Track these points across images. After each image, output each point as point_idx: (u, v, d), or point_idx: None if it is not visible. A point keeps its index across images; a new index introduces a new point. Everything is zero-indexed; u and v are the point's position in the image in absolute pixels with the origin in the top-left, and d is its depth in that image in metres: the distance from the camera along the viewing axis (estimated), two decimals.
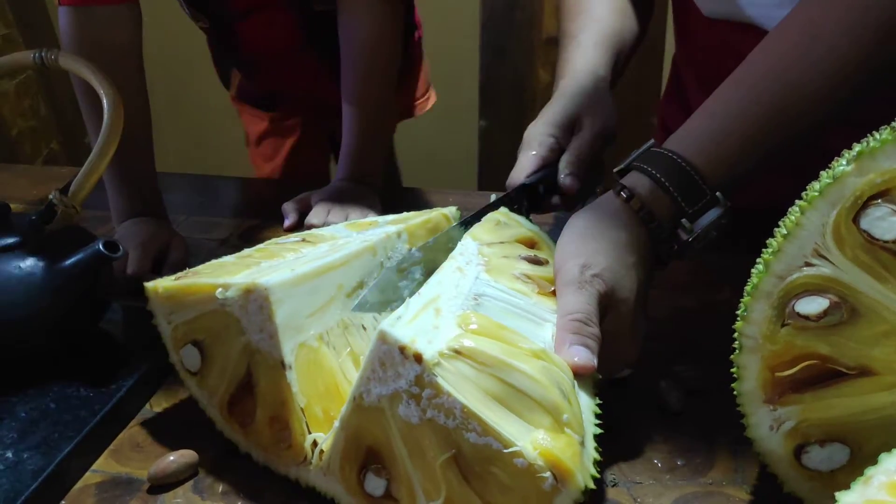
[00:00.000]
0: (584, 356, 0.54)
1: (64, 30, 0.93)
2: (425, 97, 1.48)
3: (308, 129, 1.41)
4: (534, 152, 0.75)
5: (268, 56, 1.25)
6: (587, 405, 0.54)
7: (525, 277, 0.60)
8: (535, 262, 0.63)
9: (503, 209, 0.69)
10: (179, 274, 0.65)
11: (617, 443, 0.59)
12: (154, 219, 0.97)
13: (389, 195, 1.06)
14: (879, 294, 0.48)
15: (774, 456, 0.54)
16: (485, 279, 0.58)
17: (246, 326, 0.59)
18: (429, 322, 0.53)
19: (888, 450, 0.43)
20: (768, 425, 0.53)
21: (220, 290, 0.59)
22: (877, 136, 0.47)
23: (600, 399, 0.56)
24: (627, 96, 2.28)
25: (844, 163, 0.48)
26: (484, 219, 0.68)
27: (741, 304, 0.53)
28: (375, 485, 0.54)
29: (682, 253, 0.63)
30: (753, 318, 0.52)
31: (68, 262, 0.69)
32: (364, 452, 0.54)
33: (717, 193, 0.61)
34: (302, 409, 0.58)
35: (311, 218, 0.98)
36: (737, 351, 0.54)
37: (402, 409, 0.51)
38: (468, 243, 0.63)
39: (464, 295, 0.56)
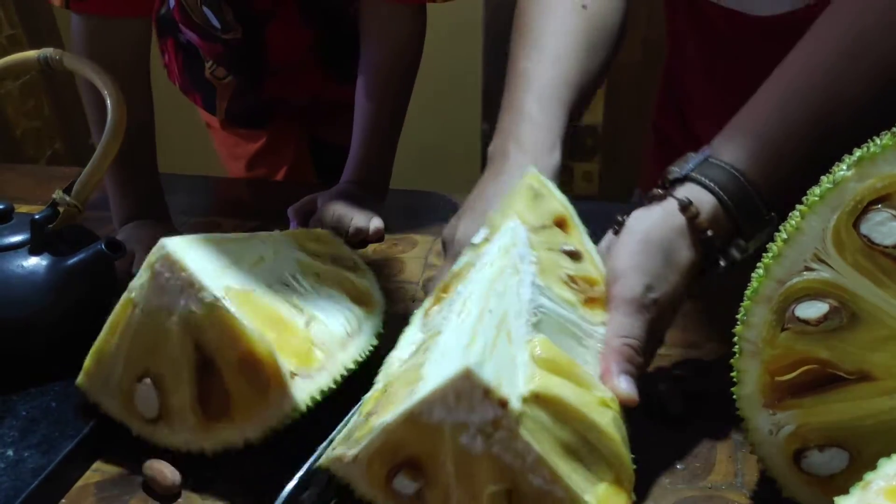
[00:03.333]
0: (633, 389, 0.54)
1: (75, 33, 0.94)
2: None
3: (302, 144, 1.38)
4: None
5: (286, 63, 1.24)
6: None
7: (571, 281, 0.60)
8: (575, 256, 0.61)
9: (533, 171, 0.65)
10: None
11: None
12: (157, 220, 0.98)
13: (391, 197, 1.06)
14: (879, 299, 0.48)
15: (774, 460, 0.54)
16: (540, 285, 0.57)
17: (169, 303, 0.59)
18: (505, 354, 0.51)
19: (887, 455, 0.43)
20: (768, 429, 0.53)
21: (127, 292, 0.61)
22: (877, 141, 0.47)
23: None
24: (628, 98, 2.29)
25: (845, 167, 0.48)
26: (522, 188, 0.64)
27: (741, 308, 0.53)
28: (406, 486, 0.53)
29: (727, 269, 0.61)
30: (753, 322, 0.52)
31: (71, 261, 0.70)
32: (403, 458, 0.53)
33: (773, 214, 0.60)
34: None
35: (315, 222, 0.98)
36: (737, 355, 0.54)
37: (464, 438, 0.50)
38: (517, 227, 0.61)
39: (525, 309, 0.55)
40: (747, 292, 0.53)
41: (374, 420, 0.53)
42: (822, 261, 0.49)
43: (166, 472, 0.60)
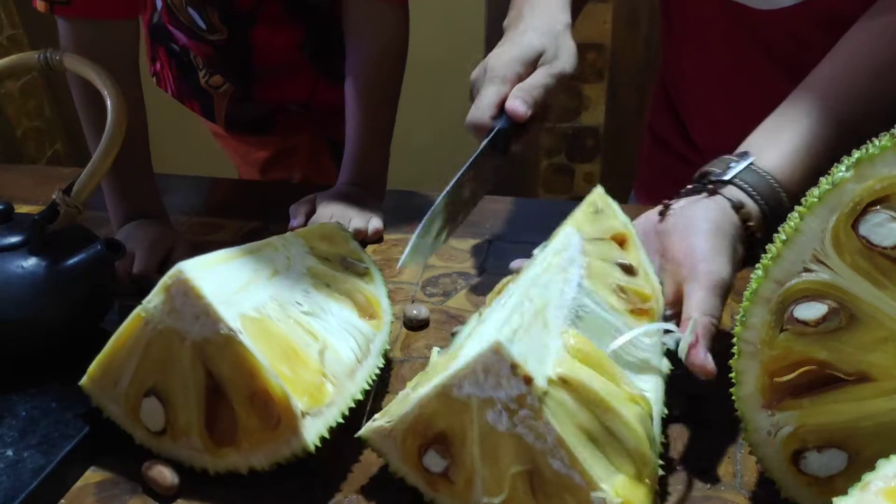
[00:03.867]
0: (712, 363, 0.56)
1: (63, 37, 0.95)
2: None
3: (314, 144, 1.38)
4: (499, 88, 0.73)
5: (274, 64, 1.24)
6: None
7: (620, 291, 0.62)
8: (629, 271, 0.64)
9: (599, 190, 0.71)
10: None
11: None
12: (156, 220, 0.98)
13: (392, 199, 1.06)
14: (878, 300, 0.48)
15: (773, 461, 0.54)
16: (586, 287, 0.60)
17: (183, 328, 0.59)
18: (539, 338, 0.54)
19: (886, 456, 0.43)
20: (766, 430, 0.53)
21: (140, 309, 0.60)
22: (876, 142, 0.47)
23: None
24: (629, 100, 2.29)
25: (843, 169, 0.48)
26: (584, 203, 0.69)
27: (740, 310, 0.53)
28: (435, 463, 0.56)
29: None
30: (752, 323, 0.52)
31: (71, 261, 0.70)
32: (433, 434, 0.56)
33: None
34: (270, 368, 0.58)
35: (316, 220, 0.98)
36: (736, 356, 0.54)
37: (490, 415, 0.52)
38: (571, 235, 0.64)
39: (567, 305, 0.58)
40: (746, 293, 0.53)
41: (412, 395, 0.57)
42: (820, 262, 0.49)
43: (166, 472, 0.60)
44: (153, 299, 0.60)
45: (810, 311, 0.50)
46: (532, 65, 0.74)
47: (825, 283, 0.49)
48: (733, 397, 0.55)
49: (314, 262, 0.71)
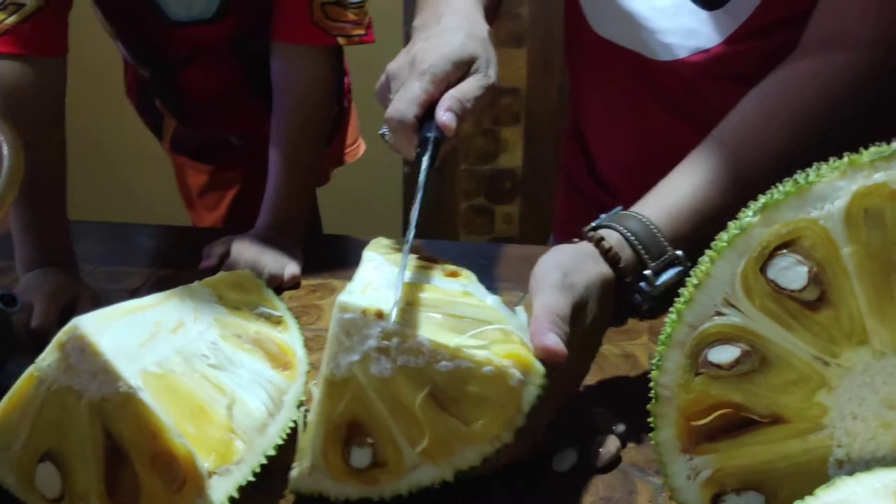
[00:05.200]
0: (560, 344, 0.58)
1: None
2: (356, 145, 1.47)
3: (249, 179, 1.36)
4: (427, 86, 0.68)
5: (210, 101, 1.23)
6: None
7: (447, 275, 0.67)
8: (453, 274, 0.68)
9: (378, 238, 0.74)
10: None
11: (537, 493, 0.58)
12: (62, 269, 0.94)
13: (311, 243, 1.04)
14: (788, 342, 0.49)
15: None
16: (407, 274, 0.64)
17: (80, 386, 0.57)
18: (376, 293, 0.60)
19: (801, 496, 0.44)
20: (685, 475, 0.53)
21: (33, 368, 0.57)
22: (780, 188, 0.49)
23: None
24: (546, 142, 2.34)
25: (751, 213, 0.49)
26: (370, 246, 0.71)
27: (656, 354, 0.53)
28: (361, 456, 0.58)
29: (642, 304, 0.66)
30: (668, 367, 0.53)
31: None
32: (345, 430, 0.58)
33: (679, 252, 0.66)
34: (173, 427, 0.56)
35: (230, 264, 0.95)
36: (653, 400, 0.54)
37: (374, 368, 0.57)
38: (372, 253, 0.68)
39: (391, 283, 0.61)
40: (661, 337, 0.53)
41: (310, 418, 0.60)
42: (731, 305, 0.50)
43: None
44: (47, 357, 0.57)
45: (723, 354, 0.50)
46: (463, 68, 0.70)
47: (737, 327, 0.50)
48: (652, 442, 0.55)
49: (223, 312, 0.69)
